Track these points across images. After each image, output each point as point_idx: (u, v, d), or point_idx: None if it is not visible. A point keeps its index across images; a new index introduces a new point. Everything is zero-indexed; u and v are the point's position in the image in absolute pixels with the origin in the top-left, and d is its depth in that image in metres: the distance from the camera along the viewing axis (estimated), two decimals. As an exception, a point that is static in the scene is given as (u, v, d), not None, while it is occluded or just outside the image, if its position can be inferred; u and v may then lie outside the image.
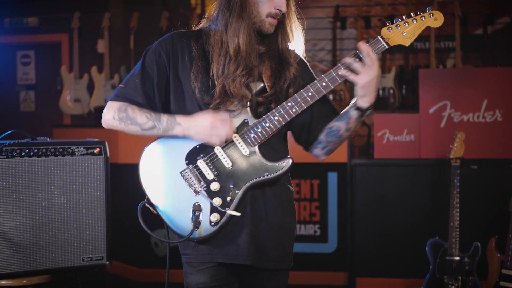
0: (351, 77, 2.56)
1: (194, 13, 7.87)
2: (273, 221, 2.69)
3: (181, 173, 2.63)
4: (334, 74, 2.60)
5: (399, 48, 7.39)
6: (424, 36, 7.30)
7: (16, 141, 3.44)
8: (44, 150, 3.48)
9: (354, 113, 2.65)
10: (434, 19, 2.62)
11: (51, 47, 8.67)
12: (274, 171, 2.62)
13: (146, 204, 2.67)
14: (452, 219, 4.77)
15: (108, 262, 3.60)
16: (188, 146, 2.64)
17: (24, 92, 8.84)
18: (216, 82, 2.61)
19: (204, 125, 2.56)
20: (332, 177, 5.93)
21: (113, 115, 2.65)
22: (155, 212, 2.67)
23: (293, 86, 2.70)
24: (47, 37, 8.63)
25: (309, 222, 5.97)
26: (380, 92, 7.24)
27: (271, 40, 2.72)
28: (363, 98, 2.60)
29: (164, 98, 2.70)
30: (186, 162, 2.64)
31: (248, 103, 2.63)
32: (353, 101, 2.65)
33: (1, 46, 8.75)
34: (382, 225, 5.73)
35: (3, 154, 3.40)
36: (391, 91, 7.20)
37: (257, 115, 2.65)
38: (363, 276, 5.76)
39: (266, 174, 2.62)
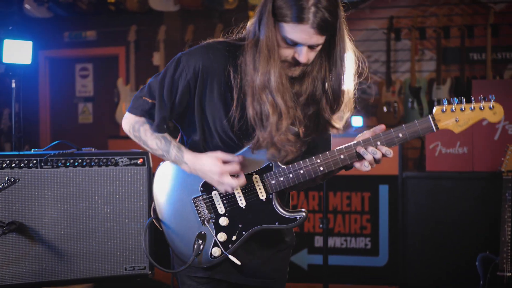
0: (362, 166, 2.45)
1: (250, 25, 7.88)
2: (272, 247, 2.66)
3: (193, 199, 2.58)
4: (371, 146, 2.43)
5: (454, 59, 7.29)
6: (480, 47, 7.17)
7: (61, 151, 3.51)
8: (88, 161, 3.54)
9: (336, 170, 2.50)
10: (493, 113, 2.44)
11: (108, 60, 8.82)
12: (285, 222, 2.52)
13: (154, 220, 2.66)
14: (504, 233, 4.65)
15: (150, 272, 3.63)
16: None
17: (82, 104, 9.03)
18: (256, 128, 2.43)
19: (213, 172, 2.44)
20: (383, 190, 5.87)
21: (129, 130, 2.63)
22: (161, 229, 2.65)
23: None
24: (105, 50, 8.79)
25: (360, 235, 5.92)
26: (435, 104, 7.13)
27: (307, 81, 2.48)
28: (364, 168, 2.45)
29: (185, 114, 2.57)
30: (201, 189, 2.57)
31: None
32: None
33: (61, 59, 8.96)
34: (433, 239, 5.63)
35: (49, 164, 3.48)
36: (446, 103, 7.08)
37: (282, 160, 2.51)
38: (414, 290, 5.68)
39: (276, 223, 2.53)
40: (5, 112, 8.45)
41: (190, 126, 2.59)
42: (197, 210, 2.57)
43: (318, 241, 6.00)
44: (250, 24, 2.48)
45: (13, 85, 3.90)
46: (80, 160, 3.53)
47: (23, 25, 8.58)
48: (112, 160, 3.58)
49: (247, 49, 2.42)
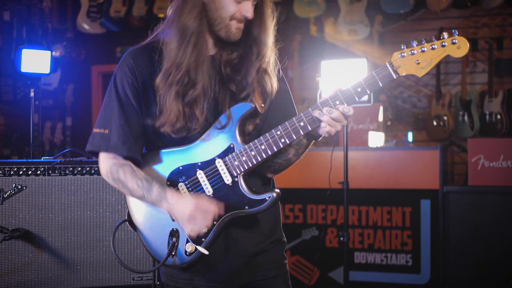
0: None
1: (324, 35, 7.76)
2: (255, 239, 2.48)
3: None
4: (328, 106, 2.31)
5: (507, 71, 7.03)
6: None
7: (69, 159, 3.50)
8: (96, 169, 3.52)
9: (305, 141, 2.44)
10: (457, 47, 2.23)
11: (159, 74, 8.87)
12: (255, 205, 2.36)
13: (127, 223, 2.53)
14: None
15: (158, 282, 3.57)
16: (172, 165, 2.43)
17: (133, 118, 9.11)
18: None
19: (184, 212, 2.31)
20: (425, 205, 5.68)
21: (106, 174, 2.46)
22: (135, 231, 2.52)
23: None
24: (155, 65, 8.85)
25: (400, 251, 5.73)
26: (487, 117, 6.88)
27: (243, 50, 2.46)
28: (323, 131, 2.34)
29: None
30: (168, 183, 2.43)
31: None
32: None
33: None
34: (477, 256, 5.40)
35: (56, 172, 3.47)
36: (498, 116, 6.83)
37: (245, 139, 2.42)
38: (456, 310, 5.45)
39: (246, 207, 2.37)
40: (58, 126, 8.60)
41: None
42: None
43: (358, 257, 5.84)
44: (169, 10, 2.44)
45: (32, 94, 3.91)
46: (88, 168, 3.52)
47: (77, 41, 8.75)
48: (121, 168, 3.55)
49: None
